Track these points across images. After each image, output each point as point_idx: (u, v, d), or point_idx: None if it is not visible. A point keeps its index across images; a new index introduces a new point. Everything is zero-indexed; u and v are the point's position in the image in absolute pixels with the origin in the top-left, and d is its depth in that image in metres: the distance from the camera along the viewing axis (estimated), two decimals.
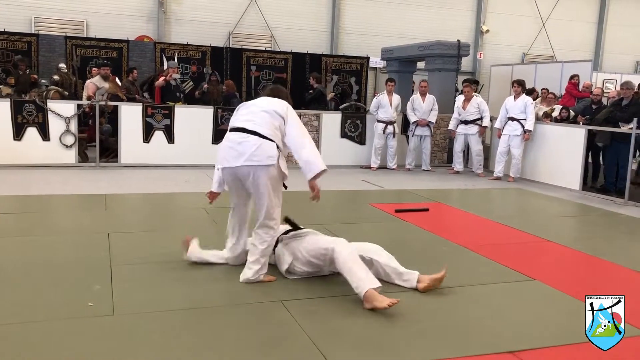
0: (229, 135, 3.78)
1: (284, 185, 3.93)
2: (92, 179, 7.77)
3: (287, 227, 4.12)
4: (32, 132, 8.46)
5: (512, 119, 9.17)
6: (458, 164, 10.01)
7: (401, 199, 7.33)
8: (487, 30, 17.53)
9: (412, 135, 10.11)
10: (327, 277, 4.00)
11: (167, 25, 14.56)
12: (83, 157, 9.06)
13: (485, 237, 5.52)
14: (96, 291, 3.53)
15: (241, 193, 3.89)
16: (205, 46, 13.02)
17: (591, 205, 7.45)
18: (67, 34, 12.52)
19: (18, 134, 8.38)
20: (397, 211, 6.27)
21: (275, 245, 4.00)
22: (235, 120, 3.82)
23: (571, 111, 9.68)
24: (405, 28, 16.07)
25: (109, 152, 9.29)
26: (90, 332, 3.00)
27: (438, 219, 6.26)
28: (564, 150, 8.69)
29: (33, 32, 12.79)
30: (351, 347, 2.96)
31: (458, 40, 11.30)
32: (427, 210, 6.49)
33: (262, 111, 3.73)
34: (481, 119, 9.73)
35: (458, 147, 9.96)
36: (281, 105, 3.81)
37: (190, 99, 10.55)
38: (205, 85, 10.37)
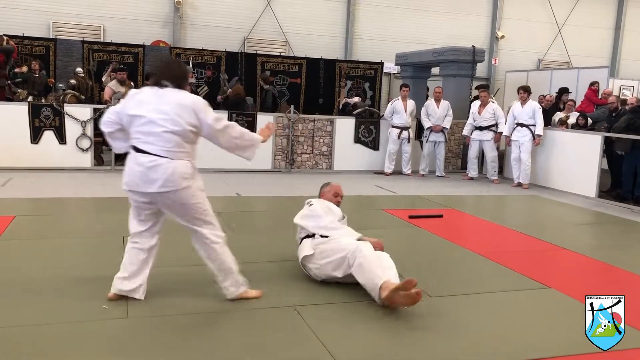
0: (137, 157, 3.34)
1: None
2: (108, 182, 7.83)
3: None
4: (49, 136, 8.56)
5: (521, 125, 9.12)
6: (472, 170, 9.95)
7: (415, 205, 7.30)
8: (502, 36, 17.45)
9: (426, 141, 10.08)
10: (340, 284, 3.99)
11: (183, 30, 14.68)
12: (99, 160, 9.14)
13: (499, 244, 5.48)
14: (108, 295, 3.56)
15: (150, 218, 3.50)
16: (220, 51, 13.10)
17: (607, 213, 7.37)
18: (84, 39, 12.66)
19: (35, 137, 8.48)
20: (410, 217, 6.25)
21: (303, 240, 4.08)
22: (138, 135, 3.33)
23: (589, 118, 9.59)
24: (420, 34, 16.05)
25: (124, 155, 9.34)
26: (104, 335, 3.02)
27: (452, 225, 6.23)
28: (580, 157, 8.61)
29: (51, 37, 12.95)
30: (363, 353, 2.95)
31: (473, 46, 11.26)
32: (441, 216, 6.46)
33: (166, 132, 3.26)
34: (496, 125, 9.67)
35: (472, 153, 9.91)
36: (187, 112, 3.32)
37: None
38: (230, 91, 10.39)
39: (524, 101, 9.19)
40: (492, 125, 9.70)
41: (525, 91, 9.21)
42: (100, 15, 13.98)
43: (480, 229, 6.20)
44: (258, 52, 14.05)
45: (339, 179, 9.19)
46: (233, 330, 3.15)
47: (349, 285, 3.94)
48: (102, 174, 8.58)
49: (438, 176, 10.08)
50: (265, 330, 3.17)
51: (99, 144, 9.21)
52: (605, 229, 6.62)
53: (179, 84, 3.42)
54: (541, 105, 9.51)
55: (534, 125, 9.02)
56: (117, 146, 3.58)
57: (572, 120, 9.74)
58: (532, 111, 9.04)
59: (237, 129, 3.59)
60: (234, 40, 14.88)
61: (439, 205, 7.23)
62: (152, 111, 3.29)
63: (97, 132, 9.16)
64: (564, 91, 11.20)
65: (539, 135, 8.99)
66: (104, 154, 9.49)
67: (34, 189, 7.07)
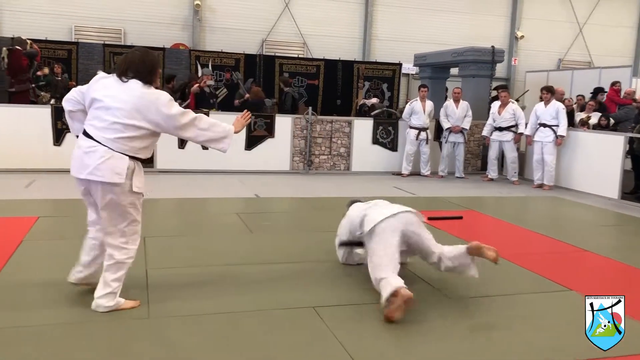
0: (79, 140, 3.24)
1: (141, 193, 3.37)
2: None
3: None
4: (71, 138, 8.67)
5: (544, 125, 9.02)
6: (492, 171, 9.87)
7: (434, 206, 7.26)
8: (522, 36, 17.29)
9: (446, 142, 10.02)
10: (360, 283, 3.99)
11: (202, 33, 14.80)
12: None
13: (520, 246, 5.42)
14: (132, 294, 3.59)
15: (94, 209, 3.40)
16: (239, 53, 13.18)
17: (631, 215, 7.25)
18: (105, 42, 12.84)
19: (58, 139, 8.61)
20: (429, 219, 6.19)
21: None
22: (90, 118, 3.23)
23: (611, 119, 9.46)
24: (439, 34, 15.97)
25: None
26: (125, 334, 3.05)
27: (472, 227, 6.18)
28: (602, 158, 8.48)
29: (73, 40, 13.15)
30: (381, 354, 2.94)
31: (492, 46, 11.17)
32: (460, 218, 6.41)
33: (117, 123, 3.15)
34: (516, 125, 9.58)
35: (492, 154, 9.82)
36: (148, 107, 3.19)
37: (223, 106, 10.69)
38: (247, 96, 10.44)
39: (547, 101, 9.09)
40: (512, 126, 9.60)
41: (548, 91, 9.11)
42: (121, 18, 14.16)
43: (501, 230, 6.15)
44: (276, 54, 14.10)
45: (357, 180, 9.23)
46: (253, 331, 3.16)
47: (368, 286, 3.93)
48: None
49: (457, 177, 10.02)
50: (284, 331, 3.18)
51: None
52: (628, 231, 6.51)
53: (145, 78, 3.25)
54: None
55: (557, 125, 8.91)
56: (75, 127, 3.40)
57: (594, 120, 9.61)
58: (555, 111, 8.94)
59: (205, 120, 3.42)
60: (252, 43, 14.96)
61: (459, 206, 7.18)
62: (110, 98, 3.18)
63: None
64: (599, 91, 11.07)
65: (562, 136, 8.88)
66: None
67: (57, 190, 7.18)
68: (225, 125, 3.49)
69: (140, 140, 3.24)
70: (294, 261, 4.49)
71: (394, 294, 3.31)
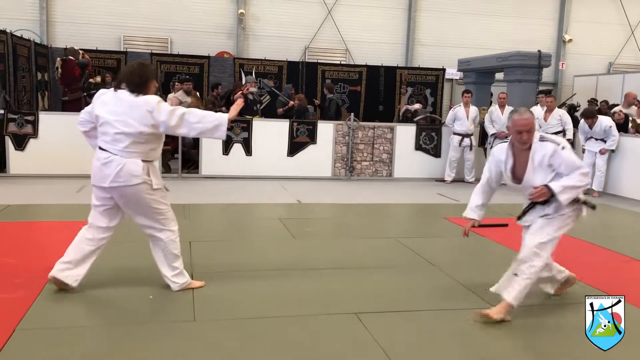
0: (97, 153, 3.62)
1: (165, 188, 3.78)
2: (175, 189, 8.09)
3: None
4: None
5: (595, 139, 8.84)
6: None
7: None
8: (570, 40, 16.84)
9: (491, 148, 9.84)
10: (402, 290, 3.97)
11: (246, 41, 15.01)
12: (166, 168, 9.46)
13: (567, 254, 5.26)
14: (178, 296, 3.68)
15: (106, 215, 3.71)
16: (282, 61, 13.31)
17: None
18: (153, 51, 13.18)
19: None
20: (474, 226, 6.11)
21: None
22: (99, 134, 3.60)
23: None
24: (483, 39, 15.72)
25: (190, 163, 9.66)
26: (172, 337, 3.12)
27: (518, 235, 6.03)
28: None
29: (122, 49, 13.56)
30: None
31: (539, 51, 10.94)
32: (506, 225, 6.25)
33: (118, 133, 3.49)
34: (563, 131, 9.34)
35: None
36: (140, 113, 3.48)
37: (266, 113, 10.82)
38: (292, 103, 10.51)
39: (591, 125, 8.84)
40: (559, 132, 9.37)
41: (587, 117, 8.91)
42: (167, 28, 14.51)
43: None
44: (319, 61, 14.17)
45: (399, 187, 9.18)
46: (296, 336, 3.19)
47: (410, 293, 3.92)
48: (169, 181, 8.87)
49: (502, 184, 9.80)
50: (326, 337, 3.19)
51: (167, 152, 9.55)
52: None
53: (136, 89, 3.52)
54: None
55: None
56: (92, 144, 3.74)
57: None
58: (602, 130, 8.75)
59: (195, 113, 3.64)
60: (295, 50, 15.07)
61: (504, 214, 7.04)
62: (108, 112, 3.52)
63: (165, 140, 9.52)
64: None
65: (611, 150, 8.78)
66: (171, 162, 9.82)
67: None
68: (217, 114, 3.72)
69: (145, 144, 3.56)
70: (336, 267, 4.50)
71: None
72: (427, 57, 15.68)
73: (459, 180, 9.81)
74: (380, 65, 13.93)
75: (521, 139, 3.54)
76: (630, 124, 9.44)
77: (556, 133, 9.36)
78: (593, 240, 5.77)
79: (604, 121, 8.76)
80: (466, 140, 9.70)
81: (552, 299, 3.95)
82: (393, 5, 15.75)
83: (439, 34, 15.95)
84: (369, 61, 14.18)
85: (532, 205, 3.80)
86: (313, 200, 7.65)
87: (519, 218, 3.93)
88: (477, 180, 9.71)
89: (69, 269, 3.70)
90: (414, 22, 15.84)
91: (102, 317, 3.45)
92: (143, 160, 3.56)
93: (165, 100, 10.18)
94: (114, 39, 14.19)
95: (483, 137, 10.10)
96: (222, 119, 3.64)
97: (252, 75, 11.65)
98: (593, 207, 3.83)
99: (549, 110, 9.43)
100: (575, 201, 3.67)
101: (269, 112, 11.07)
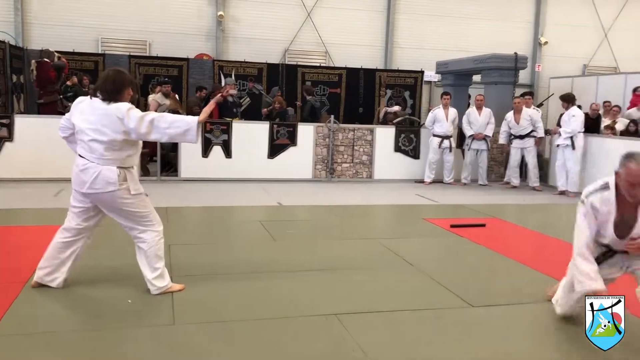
0: (76, 159, 3.65)
1: (144, 194, 3.77)
2: (153, 193, 7.97)
3: None
4: None
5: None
6: (514, 178, 9.80)
7: (457, 214, 7.23)
8: (546, 42, 17.11)
9: (468, 149, 9.98)
10: (383, 291, 4.01)
11: (225, 43, 14.97)
12: (145, 171, 9.39)
13: (544, 253, 5.37)
14: (158, 300, 3.67)
15: (82, 216, 3.74)
16: (262, 63, 13.30)
17: None
18: (131, 53, 13.07)
19: None
20: (452, 226, 6.20)
21: None
22: (77, 140, 3.65)
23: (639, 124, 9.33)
24: (461, 41, 15.89)
25: (169, 166, 9.61)
26: (150, 341, 3.11)
27: (495, 234, 6.15)
28: None
29: (100, 52, 13.43)
30: None
31: (515, 53, 11.10)
32: (483, 225, 6.38)
33: (92, 141, 3.53)
34: (535, 130, 9.55)
35: (514, 161, 9.77)
36: (112, 121, 3.50)
37: (246, 115, 10.80)
38: (277, 105, 10.50)
39: (566, 109, 9.08)
40: (532, 131, 9.56)
41: (566, 101, 9.12)
42: (146, 30, 14.40)
43: (524, 238, 6.10)
44: (298, 63, 14.20)
45: (379, 188, 9.24)
46: (277, 338, 3.20)
47: (389, 293, 3.96)
48: (147, 184, 8.79)
49: (480, 185, 9.96)
50: (307, 338, 3.21)
51: (145, 155, 9.48)
52: None
53: (110, 96, 3.54)
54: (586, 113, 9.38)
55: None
56: (74, 149, 3.77)
57: (620, 126, 9.48)
58: (568, 117, 8.98)
59: (166, 119, 3.65)
60: (274, 52, 15.08)
61: (482, 214, 7.14)
62: (83, 121, 3.57)
63: (143, 143, 9.45)
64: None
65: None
66: (150, 164, 9.76)
67: None
68: (188, 118, 3.71)
69: (120, 151, 3.58)
70: (316, 269, 4.52)
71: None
72: (406, 59, 15.81)
73: (438, 181, 9.91)
74: (360, 67, 14.00)
75: (635, 194, 3.00)
76: (602, 126, 9.63)
77: (529, 133, 9.54)
78: (566, 238, 5.85)
79: (572, 110, 9.00)
80: (446, 142, 9.80)
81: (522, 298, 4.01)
82: (372, 8, 15.84)
83: (418, 36, 16.09)
84: (348, 64, 14.24)
85: (613, 253, 3.28)
86: (294, 202, 7.67)
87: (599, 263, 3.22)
88: (456, 181, 9.95)
89: (50, 273, 3.74)
90: (392, 25, 15.95)
91: (78, 321, 3.42)
92: (120, 167, 3.58)
93: (146, 102, 10.22)
94: (92, 41, 14.04)
95: (461, 138, 10.21)
96: (192, 123, 3.64)
97: (231, 77, 11.62)
98: None
99: (518, 111, 9.59)
100: None
101: (250, 115, 11.06)
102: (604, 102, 10.77)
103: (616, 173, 3.04)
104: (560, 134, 9.04)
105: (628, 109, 10.85)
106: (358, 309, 3.65)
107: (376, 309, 3.65)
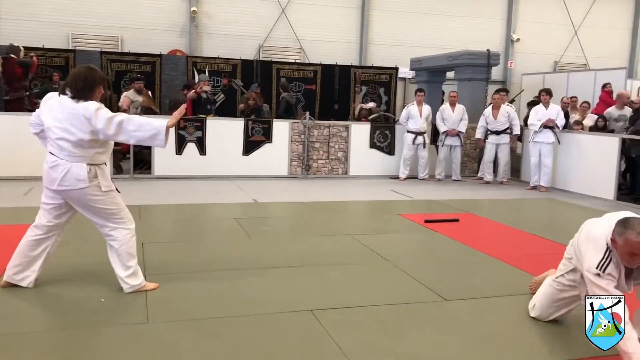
0: (47, 156, 3.61)
1: (116, 190, 3.73)
2: (126, 190, 7.91)
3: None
4: None
5: (546, 126, 9.11)
6: (488, 174, 9.93)
7: (431, 209, 7.30)
8: (518, 39, 17.36)
9: (442, 146, 10.07)
10: (357, 286, 4.03)
11: (199, 39, 14.84)
12: (117, 169, 9.27)
13: (516, 247, 5.45)
14: (131, 298, 3.63)
15: (53, 214, 3.69)
16: (236, 59, 13.22)
17: None
18: (103, 50, 12.87)
19: None
20: (426, 221, 6.26)
21: None
22: (48, 139, 3.60)
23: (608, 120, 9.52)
24: (435, 38, 16.03)
25: (143, 164, 9.49)
26: (123, 340, 3.07)
27: (468, 229, 6.22)
28: (598, 159, 8.53)
29: (70, 48, 13.19)
30: (379, 355, 2.97)
31: (488, 50, 11.23)
32: (457, 220, 6.45)
33: (60, 139, 3.48)
34: (511, 127, 9.68)
35: (488, 157, 9.89)
36: (80, 120, 3.45)
37: (220, 112, 10.73)
38: (250, 102, 10.42)
39: (546, 103, 9.20)
40: (507, 128, 9.69)
41: (547, 94, 9.24)
42: (118, 26, 14.20)
43: (497, 232, 6.19)
44: (273, 60, 14.15)
45: (354, 184, 9.27)
46: (252, 335, 3.19)
47: (365, 288, 3.98)
48: (120, 182, 8.68)
49: (454, 180, 10.07)
50: (282, 335, 3.21)
51: (118, 152, 9.36)
52: None
53: (80, 94, 3.49)
54: (563, 109, 9.54)
55: (557, 128, 9.11)
56: (46, 145, 3.70)
57: (588, 122, 9.67)
58: (556, 114, 9.09)
59: (134, 121, 3.59)
60: (249, 48, 15.00)
61: (455, 209, 7.22)
62: (51, 118, 3.52)
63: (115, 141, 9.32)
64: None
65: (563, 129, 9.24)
66: (123, 162, 9.63)
67: None
68: (156, 121, 3.65)
69: (89, 149, 3.52)
70: (292, 265, 4.52)
71: None
72: (381, 56, 15.88)
73: (412, 177, 9.99)
74: (335, 64, 14.01)
75: (635, 261, 2.88)
76: (572, 122, 9.81)
77: (505, 130, 9.68)
78: (539, 232, 5.97)
79: (557, 106, 9.17)
80: (419, 138, 9.88)
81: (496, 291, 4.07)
82: (346, 5, 15.87)
83: (392, 33, 16.17)
84: (323, 60, 14.24)
85: None
86: (269, 199, 7.65)
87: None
88: (430, 176, 10.04)
89: (20, 271, 3.68)
90: (367, 22, 16.00)
91: (50, 321, 3.36)
92: (90, 164, 3.54)
93: (118, 100, 10.06)
94: (62, 36, 13.79)
95: (435, 134, 10.30)
96: (160, 127, 3.58)
97: (205, 73, 11.52)
98: None
99: (496, 107, 9.71)
100: None
101: (224, 111, 10.99)
102: (571, 97, 10.96)
103: (612, 240, 2.89)
104: (558, 127, 9.12)
105: (597, 104, 11.08)
106: (334, 304, 3.66)
107: (352, 304, 3.67)
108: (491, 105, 9.91)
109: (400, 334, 3.26)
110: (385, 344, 3.12)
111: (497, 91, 10.22)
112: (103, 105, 3.58)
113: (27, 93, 9.93)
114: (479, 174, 10.22)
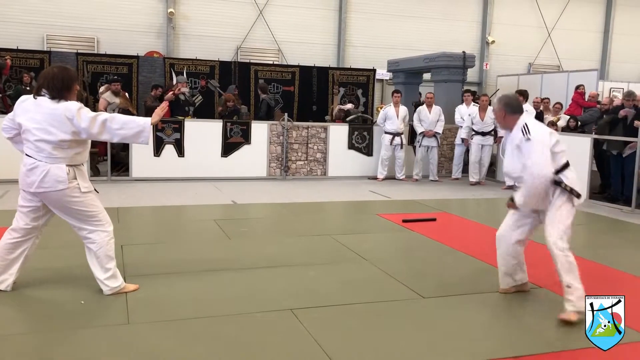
0: (23, 159, 3.58)
1: (95, 190, 3.73)
2: (104, 193, 7.84)
3: None
4: None
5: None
6: (475, 174, 10.01)
7: (408, 209, 7.39)
8: (493, 41, 17.63)
9: (419, 146, 10.19)
10: (337, 285, 4.08)
11: (176, 40, 14.78)
12: (95, 171, 9.19)
13: (492, 245, 5.53)
14: (111, 300, 3.63)
15: (30, 216, 3.66)
16: (214, 61, 13.19)
17: (598, 214, 7.48)
18: (79, 51, 12.73)
19: None
20: (404, 221, 6.34)
21: None
22: (24, 140, 3.57)
23: (579, 120, 9.73)
24: (411, 40, 16.20)
25: (120, 166, 9.43)
26: (104, 341, 3.08)
27: (445, 228, 6.32)
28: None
29: (45, 49, 13.03)
30: (359, 353, 3.03)
31: (463, 52, 11.40)
32: (434, 220, 6.55)
33: (39, 140, 3.45)
34: (495, 129, 9.81)
35: (474, 157, 9.95)
36: (60, 121, 3.44)
37: (198, 113, 10.70)
38: (229, 104, 10.40)
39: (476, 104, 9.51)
40: (492, 130, 9.84)
41: (521, 95, 9.39)
42: (94, 27, 14.07)
43: (474, 231, 6.29)
44: (251, 61, 14.15)
45: (333, 185, 9.33)
46: (232, 335, 3.22)
47: (344, 287, 4.03)
48: (98, 185, 8.60)
49: (431, 180, 10.19)
50: (263, 334, 3.24)
51: (95, 154, 9.28)
52: (596, 229, 6.72)
53: (57, 94, 3.49)
54: (535, 109, 9.69)
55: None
56: (20, 149, 3.70)
57: (562, 123, 9.87)
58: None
59: (118, 119, 3.63)
60: (227, 50, 14.99)
61: (433, 209, 7.32)
62: (28, 120, 3.49)
63: (93, 143, 9.23)
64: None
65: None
66: (100, 164, 9.55)
67: None
68: (140, 119, 3.69)
69: (69, 149, 3.52)
70: (271, 265, 4.56)
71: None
72: (358, 58, 16.00)
73: (390, 177, 10.08)
74: (313, 65, 14.07)
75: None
76: (546, 123, 9.99)
77: (490, 131, 9.83)
78: None
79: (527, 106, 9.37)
80: (397, 139, 9.98)
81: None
82: (324, 7, 15.95)
83: (369, 35, 16.30)
84: (301, 62, 14.29)
85: None
86: (248, 200, 7.66)
87: None
88: (407, 177, 10.13)
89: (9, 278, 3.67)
90: (344, 24, 16.11)
91: (29, 324, 3.35)
92: (69, 165, 3.53)
93: (97, 101, 9.97)
94: (37, 38, 13.63)
95: (412, 135, 10.42)
96: (144, 125, 3.63)
97: (183, 75, 11.48)
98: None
99: (483, 109, 9.85)
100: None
101: (201, 113, 10.96)
102: (543, 99, 11.15)
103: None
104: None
105: (570, 105, 11.31)
106: (313, 303, 3.71)
107: (331, 303, 3.72)
108: (479, 106, 9.98)
109: (380, 331, 3.32)
110: (365, 342, 3.17)
111: (465, 92, 10.47)
112: (83, 105, 3.57)
113: (1, 95, 9.78)
114: (453, 175, 10.37)
